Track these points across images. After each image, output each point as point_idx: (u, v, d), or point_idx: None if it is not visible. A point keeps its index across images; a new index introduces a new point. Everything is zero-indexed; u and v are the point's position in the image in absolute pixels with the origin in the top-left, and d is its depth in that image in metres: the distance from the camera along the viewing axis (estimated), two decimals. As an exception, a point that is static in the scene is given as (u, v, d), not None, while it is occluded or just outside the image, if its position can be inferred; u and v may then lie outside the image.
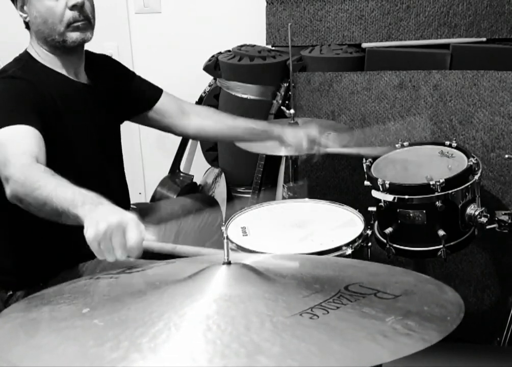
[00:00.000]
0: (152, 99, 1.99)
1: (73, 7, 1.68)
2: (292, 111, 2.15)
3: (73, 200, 1.32)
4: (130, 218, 1.25)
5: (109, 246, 1.22)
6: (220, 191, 2.81)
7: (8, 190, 1.44)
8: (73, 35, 1.70)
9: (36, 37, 1.74)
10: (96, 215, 1.25)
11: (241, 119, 2.02)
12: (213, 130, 2.03)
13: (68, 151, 1.73)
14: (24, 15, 1.74)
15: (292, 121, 2.13)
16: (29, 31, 1.77)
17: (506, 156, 2.11)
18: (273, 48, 2.68)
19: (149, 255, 1.47)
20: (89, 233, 1.23)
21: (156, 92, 2.01)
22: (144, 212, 2.04)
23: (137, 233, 1.23)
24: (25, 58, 1.76)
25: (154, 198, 2.88)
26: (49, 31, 1.70)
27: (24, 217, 1.49)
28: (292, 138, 1.94)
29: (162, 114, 2.00)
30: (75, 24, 1.69)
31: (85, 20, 1.71)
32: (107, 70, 1.92)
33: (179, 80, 2.79)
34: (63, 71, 1.76)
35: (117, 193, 1.90)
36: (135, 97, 1.98)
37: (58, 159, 1.66)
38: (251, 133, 2.01)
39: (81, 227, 1.25)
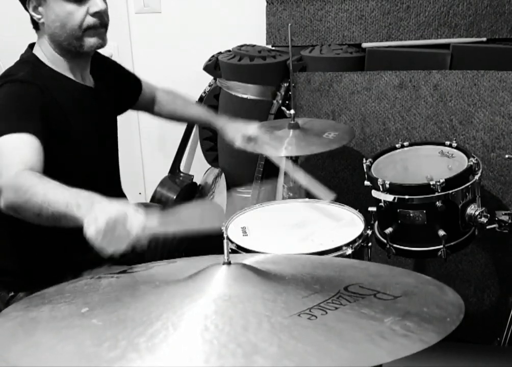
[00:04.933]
0: (137, 91, 2.07)
1: (95, 14, 1.68)
2: (292, 111, 2.15)
3: (67, 203, 1.32)
4: (128, 208, 1.25)
5: (112, 239, 1.22)
6: (220, 191, 2.80)
7: (2, 202, 1.43)
8: (91, 41, 1.70)
9: (50, 39, 1.72)
10: (94, 213, 1.25)
11: (194, 106, 2.21)
12: (167, 114, 2.17)
13: (74, 153, 1.73)
14: (38, 16, 1.70)
15: (292, 121, 2.13)
16: (37, 32, 1.75)
17: (506, 156, 2.10)
18: (273, 48, 2.67)
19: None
20: (90, 230, 1.23)
21: (138, 83, 2.08)
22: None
23: (138, 220, 1.24)
24: (32, 61, 1.74)
25: (154, 198, 2.87)
26: (66, 36, 1.68)
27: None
28: (230, 133, 2.06)
29: (140, 103, 2.09)
30: (94, 30, 1.69)
31: (103, 27, 1.72)
32: (108, 71, 1.93)
33: (179, 80, 2.78)
34: (70, 75, 1.76)
35: (117, 193, 1.90)
36: (129, 93, 2.04)
37: (64, 162, 1.66)
38: (198, 121, 2.23)
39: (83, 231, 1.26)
